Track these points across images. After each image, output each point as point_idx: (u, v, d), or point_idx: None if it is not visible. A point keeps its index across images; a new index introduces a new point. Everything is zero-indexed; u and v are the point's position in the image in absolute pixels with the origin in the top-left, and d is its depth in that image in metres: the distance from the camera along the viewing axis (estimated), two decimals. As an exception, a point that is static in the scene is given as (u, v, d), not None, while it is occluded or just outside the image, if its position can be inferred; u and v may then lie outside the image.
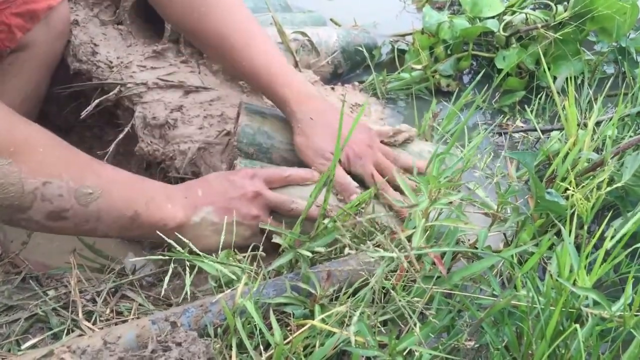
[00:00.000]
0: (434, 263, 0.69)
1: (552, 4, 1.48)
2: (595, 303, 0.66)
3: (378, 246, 0.69)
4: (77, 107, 1.25)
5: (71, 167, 0.70)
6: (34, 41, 1.14)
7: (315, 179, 0.89)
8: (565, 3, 1.53)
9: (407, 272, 0.69)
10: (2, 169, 0.63)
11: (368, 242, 0.68)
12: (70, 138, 1.42)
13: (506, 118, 1.34)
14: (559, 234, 0.85)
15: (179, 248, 0.74)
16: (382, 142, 0.98)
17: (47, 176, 0.67)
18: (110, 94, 1.18)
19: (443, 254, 0.73)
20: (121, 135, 1.14)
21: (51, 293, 0.75)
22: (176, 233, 0.77)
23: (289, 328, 0.67)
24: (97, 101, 1.18)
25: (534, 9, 1.54)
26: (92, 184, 0.70)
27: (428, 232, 0.75)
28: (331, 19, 1.62)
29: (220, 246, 0.79)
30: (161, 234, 0.75)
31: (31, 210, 0.67)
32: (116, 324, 0.73)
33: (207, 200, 0.81)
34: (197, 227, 0.80)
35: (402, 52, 1.49)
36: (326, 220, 0.75)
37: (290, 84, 0.95)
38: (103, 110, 1.23)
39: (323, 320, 0.65)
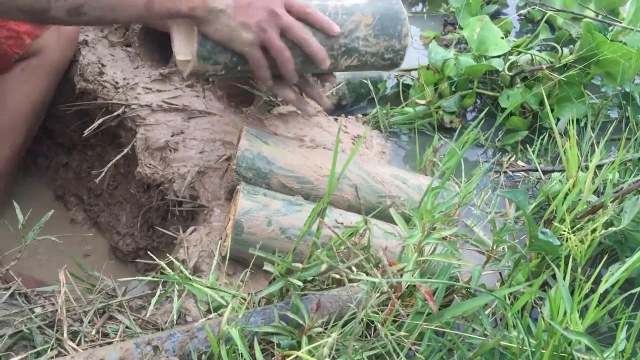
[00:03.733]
0: (426, 299, 0.68)
1: (558, 46, 1.49)
2: (588, 348, 0.64)
3: (367, 274, 0.68)
4: (82, 126, 1.26)
5: None
6: (45, 47, 1.16)
7: (334, 30, 0.93)
8: (571, 46, 1.54)
9: (399, 305, 0.68)
10: None
11: (354, 268, 0.67)
12: (73, 156, 1.43)
13: (508, 157, 1.34)
14: (555, 272, 0.84)
15: (169, 271, 0.73)
16: None
17: None
18: (114, 113, 1.19)
19: (435, 290, 0.72)
20: (119, 156, 1.15)
21: (38, 310, 0.74)
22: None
23: (274, 358, 0.66)
24: (100, 120, 1.19)
25: (539, 50, 1.55)
26: None
27: (421, 266, 0.74)
28: (338, 51, 1.63)
29: (225, 41, 0.88)
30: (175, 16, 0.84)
31: (51, 10, 0.76)
32: (101, 345, 0.72)
33: None
34: (212, 14, 0.85)
35: (407, 86, 1.50)
36: (319, 250, 0.74)
37: None
38: (106, 130, 1.24)
39: (309, 352, 0.64)
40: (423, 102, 1.42)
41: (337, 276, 0.67)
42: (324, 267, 0.66)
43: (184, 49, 0.95)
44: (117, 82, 1.24)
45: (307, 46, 0.92)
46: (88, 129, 1.18)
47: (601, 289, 0.67)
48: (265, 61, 0.92)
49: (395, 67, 1.07)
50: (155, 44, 1.35)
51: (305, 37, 0.91)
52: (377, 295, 0.64)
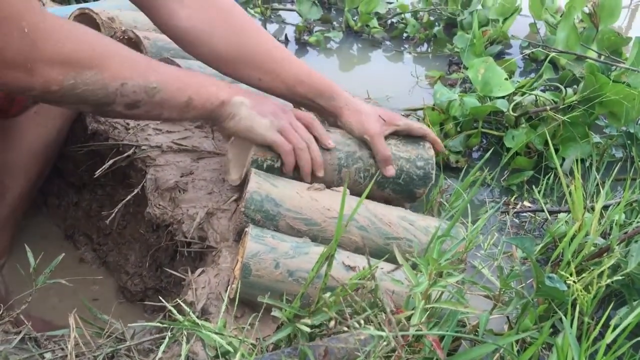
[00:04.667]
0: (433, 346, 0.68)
1: (561, 86, 1.52)
2: (597, 397, 0.64)
3: (372, 323, 0.68)
4: (92, 166, 1.28)
5: (139, 69, 0.87)
6: None
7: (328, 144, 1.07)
8: (575, 86, 1.57)
9: (406, 353, 0.68)
10: (92, 79, 0.81)
11: (362, 320, 0.67)
12: (83, 195, 1.44)
13: (514, 197, 1.34)
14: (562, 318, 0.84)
15: (178, 317, 0.74)
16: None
17: (123, 79, 0.84)
18: (124, 154, 1.21)
19: (442, 337, 0.72)
20: (129, 197, 1.16)
21: (48, 356, 0.75)
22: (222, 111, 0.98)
23: (282, 406, 0.66)
24: (111, 161, 1.21)
25: (543, 91, 1.58)
26: (155, 79, 0.88)
27: (428, 312, 0.74)
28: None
29: (247, 131, 1.00)
30: (210, 112, 0.96)
31: (114, 104, 0.86)
32: (109, 391, 0.72)
33: (247, 94, 1.00)
34: (234, 106, 0.98)
35: (413, 126, 1.52)
36: (327, 295, 0.75)
37: (339, 95, 1.12)
38: (117, 170, 1.25)
39: (317, 400, 0.64)
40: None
41: (345, 329, 0.68)
42: (332, 323, 0.67)
43: (236, 170, 1.11)
44: (128, 124, 1.26)
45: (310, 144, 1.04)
46: (99, 170, 1.20)
47: (609, 338, 0.67)
48: (289, 145, 1.02)
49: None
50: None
51: (309, 136, 1.03)
52: (385, 344, 0.64)
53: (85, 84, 0.80)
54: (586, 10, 1.81)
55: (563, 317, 0.68)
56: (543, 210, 1.24)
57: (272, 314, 0.75)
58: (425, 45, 2.13)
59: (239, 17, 1.10)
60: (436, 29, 2.13)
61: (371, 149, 1.09)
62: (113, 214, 1.15)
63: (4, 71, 0.75)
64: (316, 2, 2.17)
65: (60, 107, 0.89)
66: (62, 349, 0.76)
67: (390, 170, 1.09)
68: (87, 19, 1.35)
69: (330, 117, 1.12)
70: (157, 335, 0.87)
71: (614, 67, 1.58)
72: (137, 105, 0.88)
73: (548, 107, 1.42)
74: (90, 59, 0.81)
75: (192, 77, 0.96)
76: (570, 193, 1.10)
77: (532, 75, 1.80)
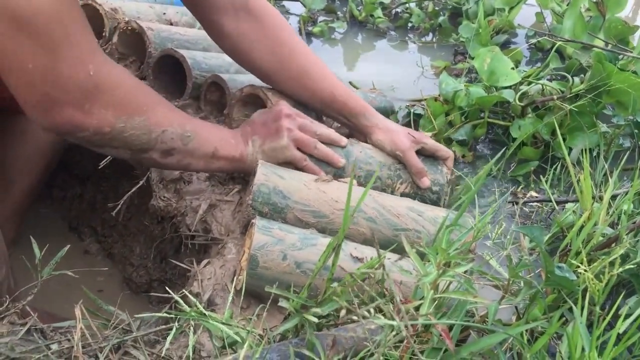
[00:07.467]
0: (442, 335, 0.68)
1: (568, 75, 1.50)
2: (608, 387, 0.64)
3: (382, 312, 0.68)
4: (96, 158, 1.27)
5: (177, 118, 0.93)
6: None
7: (342, 142, 1.07)
8: (582, 75, 1.55)
9: (415, 345, 0.68)
10: (140, 124, 0.86)
11: (371, 309, 0.67)
12: (87, 187, 1.44)
13: (520, 187, 1.34)
14: (572, 308, 0.84)
15: (185, 307, 0.73)
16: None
17: (165, 126, 0.90)
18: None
19: (451, 327, 0.71)
20: (135, 188, 1.15)
21: (54, 347, 0.75)
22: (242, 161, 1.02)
23: (290, 397, 0.66)
24: (115, 152, 1.20)
25: (550, 80, 1.56)
26: (189, 128, 0.93)
27: (436, 302, 0.74)
28: (350, 82, 1.65)
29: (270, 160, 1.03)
30: (235, 164, 1.02)
31: (152, 150, 0.90)
32: (116, 382, 0.72)
33: (253, 132, 1.03)
34: (251, 154, 1.03)
35: (418, 116, 1.51)
36: (334, 284, 0.74)
37: (371, 114, 1.13)
38: (121, 162, 1.25)
39: (326, 391, 0.63)
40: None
41: (355, 318, 0.67)
42: (343, 312, 0.66)
43: None
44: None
45: (322, 138, 1.06)
46: (103, 161, 1.19)
47: (620, 327, 0.67)
48: (304, 157, 1.05)
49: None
50: (169, 76, 1.37)
51: (316, 129, 1.05)
52: (394, 334, 0.64)
53: (133, 128, 0.86)
54: (593, -2, 1.79)
55: (573, 307, 0.67)
56: (550, 201, 1.23)
57: (280, 304, 0.75)
58: (430, 35, 2.12)
59: (281, 33, 1.12)
60: (441, 18, 2.12)
61: (404, 164, 1.10)
62: (118, 206, 1.14)
63: (62, 109, 0.79)
64: (320, -8, 2.16)
65: (100, 150, 0.93)
66: (69, 340, 0.76)
67: (426, 182, 1.10)
68: (90, 9, 1.34)
69: (362, 135, 1.14)
70: (164, 326, 0.86)
71: (621, 56, 1.57)
72: (172, 152, 0.93)
73: (555, 97, 1.41)
74: (141, 105, 0.87)
75: (218, 129, 1.02)
76: (578, 182, 1.09)
77: (539, 64, 1.79)
